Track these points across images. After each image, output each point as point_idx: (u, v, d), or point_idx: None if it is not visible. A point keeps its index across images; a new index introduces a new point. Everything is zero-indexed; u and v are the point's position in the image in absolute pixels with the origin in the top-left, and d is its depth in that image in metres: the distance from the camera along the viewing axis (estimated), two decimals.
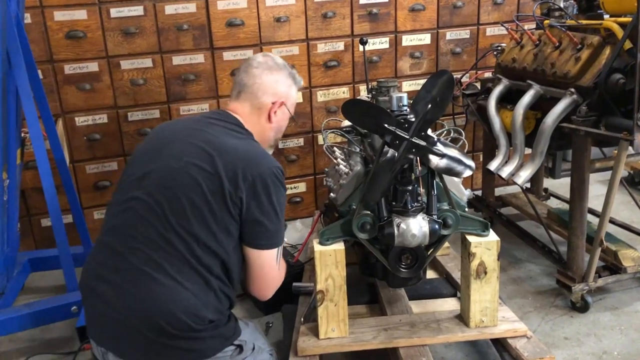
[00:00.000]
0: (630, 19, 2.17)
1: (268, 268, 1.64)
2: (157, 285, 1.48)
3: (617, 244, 2.38)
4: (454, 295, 2.23)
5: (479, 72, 3.11)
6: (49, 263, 2.63)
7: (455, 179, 1.85)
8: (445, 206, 1.80)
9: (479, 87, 2.90)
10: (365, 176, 1.84)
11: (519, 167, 2.43)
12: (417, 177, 1.73)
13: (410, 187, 1.70)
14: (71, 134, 2.80)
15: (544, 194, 3.21)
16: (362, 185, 1.83)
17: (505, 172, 2.44)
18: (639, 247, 2.49)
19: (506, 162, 2.51)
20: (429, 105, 1.60)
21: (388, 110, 1.70)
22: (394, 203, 1.73)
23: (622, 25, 2.14)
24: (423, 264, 1.79)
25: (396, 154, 1.63)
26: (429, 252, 1.81)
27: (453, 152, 1.68)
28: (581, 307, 2.28)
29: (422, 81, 3.23)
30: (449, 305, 2.15)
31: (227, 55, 2.90)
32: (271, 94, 1.75)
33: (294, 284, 2.21)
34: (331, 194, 1.90)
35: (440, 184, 1.78)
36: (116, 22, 2.72)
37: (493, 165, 2.53)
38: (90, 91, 2.76)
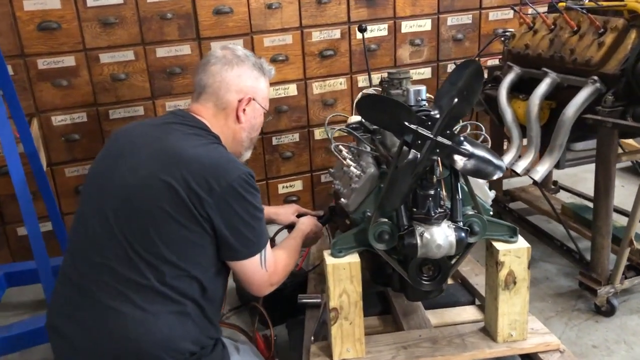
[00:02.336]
0: None
1: (253, 274, 1.51)
2: (127, 320, 1.32)
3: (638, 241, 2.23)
4: (472, 303, 2.06)
5: (483, 59, 2.93)
6: (28, 277, 2.41)
7: (480, 180, 1.67)
8: (470, 211, 1.62)
9: (486, 76, 2.72)
10: (380, 178, 1.65)
11: (535, 161, 2.27)
12: (439, 180, 1.55)
13: (432, 192, 1.52)
14: (48, 135, 2.57)
15: (553, 186, 3.05)
16: (376, 189, 1.64)
17: (520, 167, 2.27)
18: None
19: (519, 156, 2.35)
20: (455, 100, 1.42)
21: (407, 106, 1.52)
22: (414, 210, 1.55)
23: None
24: (447, 276, 1.61)
25: (418, 155, 1.45)
26: (452, 262, 1.64)
27: (481, 152, 1.50)
28: (607, 310, 2.13)
29: (423, 70, 3.10)
30: (468, 314, 1.99)
31: (215, 46, 2.67)
32: (235, 91, 1.57)
33: (300, 296, 2.02)
34: (342, 199, 1.71)
35: (465, 186, 1.60)
36: (93, 12, 2.48)
37: (506, 160, 2.35)
38: (67, 88, 2.53)
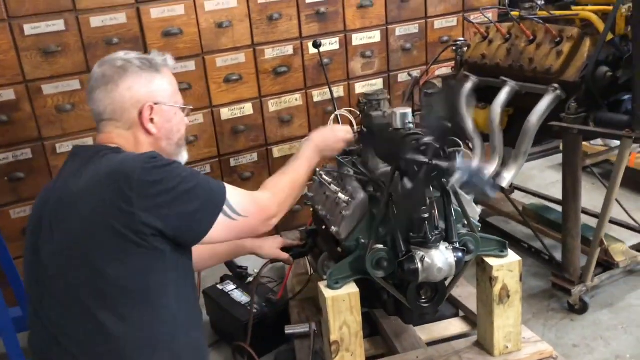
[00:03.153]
0: (604, 7, 2.10)
1: (235, 230, 1.37)
2: None
3: (605, 238, 2.32)
4: (456, 315, 2.08)
5: (432, 67, 2.97)
6: None
7: (468, 197, 1.68)
8: (462, 229, 1.63)
9: (439, 85, 2.76)
10: (371, 203, 1.63)
11: (500, 168, 2.31)
12: (432, 202, 1.54)
13: (427, 215, 1.50)
14: None
15: (508, 188, 3.13)
16: (367, 214, 1.62)
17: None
18: (612, 233, 2.42)
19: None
20: (448, 124, 1.41)
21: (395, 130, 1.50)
22: (411, 234, 1.53)
23: (598, 14, 2.07)
24: (444, 297, 1.61)
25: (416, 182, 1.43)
26: (447, 283, 1.63)
27: (474, 165, 1.50)
28: (580, 308, 2.20)
29: (375, 81, 3.10)
30: (455, 327, 2.02)
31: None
32: (131, 105, 1.36)
33: (287, 327, 1.96)
34: (332, 228, 1.67)
35: (457, 206, 1.60)
36: (32, 40, 2.31)
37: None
38: (7, 124, 2.34)
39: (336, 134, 1.75)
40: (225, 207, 1.32)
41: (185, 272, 1.36)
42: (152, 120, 1.39)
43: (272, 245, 1.92)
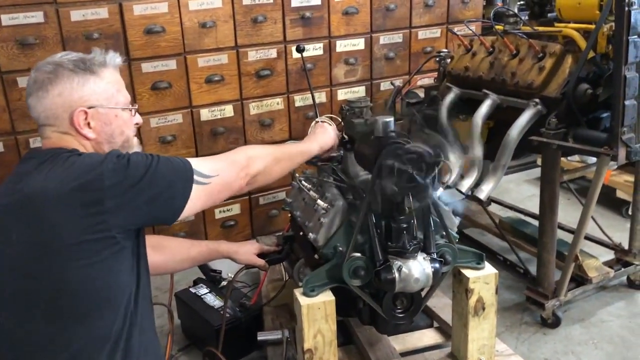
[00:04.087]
0: (586, 25, 2.13)
1: (211, 191, 1.35)
2: None
3: (580, 253, 2.34)
4: (431, 326, 2.08)
5: (415, 77, 2.98)
6: None
7: (447, 208, 1.67)
8: (440, 240, 1.62)
9: (422, 95, 2.76)
10: (349, 211, 1.61)
11: (478, 180, 2.32)
12: (412, 212, 1.53)
13: (406, 225, 1.50)
14: None
15: (485, 200, 3.15)
16: (346, 222, 1.60)
17: (464, 187, 2.31)
18: (585, 249, 2.44)
19: (462, 175, 2.40)
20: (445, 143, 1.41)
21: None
22: (389, 243, 1.52)
23: (580, 31, 2.09)
24: (419, 308, 1.60)
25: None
26: (423, 294, 1.62)
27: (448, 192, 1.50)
28: (553, 322, 2.22)
29: (357, 88, 3.10)
30: (429, 338, 2.02)
31: (147, 67, 2.52)
32: (62, 111, 1.31)
33: (259, 333, 1.93)
34: (310, 234, 1.65)
35: (436, 216, 1.59)
36: (9, 31, 2.25)
37: (450, 179, 2.39)
38: None
39: (330, 130, 1.79)
40: (195, 177, 1.32)
41: (145, 270, 1.35)
42: (88, 124, 1.33)
43: (248, 251, 1.90)
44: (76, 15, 2.33)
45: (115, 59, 1.42)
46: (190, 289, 2.25)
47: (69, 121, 1.32)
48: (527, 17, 2.39)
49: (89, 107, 1.33)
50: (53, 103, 1.31)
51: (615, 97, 1.83)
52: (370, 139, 1.63)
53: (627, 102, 1.81)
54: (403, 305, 1.59)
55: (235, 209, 2.91)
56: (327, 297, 1.54)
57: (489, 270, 1.67)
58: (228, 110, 2.74)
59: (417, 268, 1.47)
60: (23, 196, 1.22)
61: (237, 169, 1.43)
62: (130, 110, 1.43)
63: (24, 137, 2.37)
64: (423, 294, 1.62)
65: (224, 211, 2.87)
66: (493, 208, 3.11)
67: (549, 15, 2.36)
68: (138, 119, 1.47)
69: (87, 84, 1.33)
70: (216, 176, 1.36)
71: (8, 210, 1.24)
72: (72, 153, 1.29)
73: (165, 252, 1.79)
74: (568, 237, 2.47)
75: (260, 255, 1.91)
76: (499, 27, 2.30)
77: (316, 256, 1.64)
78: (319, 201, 1.66)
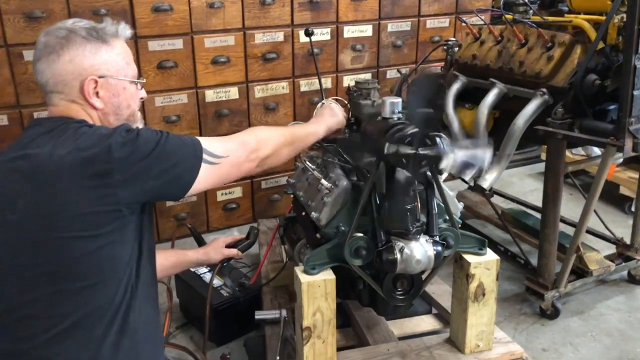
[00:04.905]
0: (597, 16, 2.12)
1: (221, 171, 1.35)
2: None
3: (581, 246, 2.33)
4: (429, 312, 2.07)
5: (421, 66, 2.97)
6: None
7: (451, 192, 1.67)
8: (443, 224, 1.62)
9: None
10: (353, 191, 1.61)
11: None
12: (416, 193, 1.53)
13: (410, 206, 1.49)
14: None
15: (487, 192, 3.14)
16: (349, 202, 1.60)
17: (468, 175, 2.31)
18: (587, 243, 2.44)
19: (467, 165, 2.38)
20: (429, 110, 1.40)
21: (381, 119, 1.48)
22: (391, 224, 1.51)
23: (590, 22, 2.08)
24: (419, 290, 1.60)
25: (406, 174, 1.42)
26: (424, 277, 1.62)
27: (464, 150, 1.47)
28: (551, 314, 2.22)
29: (363, 75, 3.09)
30: (427, 324, 2.02)
31: (153, 45, 2.51)
32: (72, 78, 1.29)
33: (257, 312, 1.93)
34: (312, 213, 1.65)
35: (440, 200, 1.58)
36: (16, 4, 2.24)
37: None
38: None
39: (338, 112, 1.78)
40: (204, 156, 1.31)
41: (148, 246, 1.34)
42: (97, 94, 1.32)
43: (217, 247, 1.87)
44: None
45: (126, 30, 1.40)
46: (190, 268, 2.24)
47: (78, 89, 1.30)
48: (537, 8, 2.37)
49: (99, 77, 1.31)
50: (63, 69, 1.29)
51: (623, 87, 1.82)
52: (375, 120, 1.62)
53: (635, 93, 1.79)
54: (403, 287, 1.58)
55: (237, 192, 2.90)
56: (327, 276, 1.54)
57: (490, 256, 1.66)
58: (233, 93, 2.73)
59: (419, 250, 1.46)
60: (32, 163, 1.21)
61: (248, 151, 1.42)
62: (137, 84, 1.42)
63: (29, 111, 2.37)
64: (424, 277, 1.61)
65: (225, 194, 2.87)
66: (495, 200, 3.09)
67: (559, 5, 2.34)
68: (143, 93, 1.46)
69: (99, 53, 1.31)
70: (226, 157, 1.35)
71: (15, 175, 1.23)
72: (81, 124, 1.28)
73: None
74: (570, 231, 2.46)
75: (230, 246, 1.88)
76: (509, 16, 2.29)
77: (318, 235, 1.63)
78: (322, 181, 1.66)
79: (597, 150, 2.43)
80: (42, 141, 1.24)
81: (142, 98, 1.46)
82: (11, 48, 2.28)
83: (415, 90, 1.45)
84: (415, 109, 1.43)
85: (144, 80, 1.47)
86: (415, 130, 1.42)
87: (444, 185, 1.61)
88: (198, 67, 2.62)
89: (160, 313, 1.44)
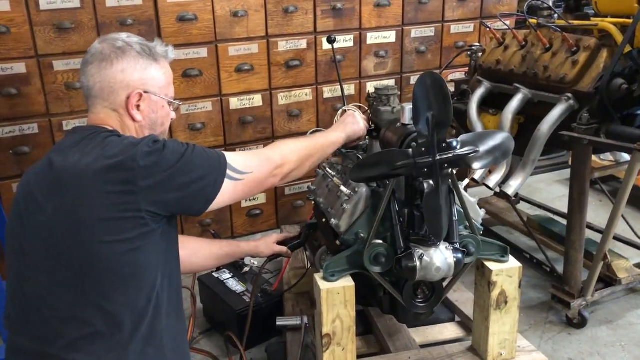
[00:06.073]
0: (624, 19, 2.08)
1: (243, 188, 1.38)
2: None
3: (609, 254, 2.28)
4: (452, 320, 2.05)
5: (445, 72, 2.95)
6: None
7: (472, 199, 1.65)
8: (464, 231, 1.60)
9: (453, 90, 2.73)
10: (372, 198, 1.60)
11: (506, 176, 2.29)
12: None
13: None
14: None
15: (513, 198, 3.10)
16: (368, 209, 1.59)
17: (492, 182, 2.29)
18: (616, 250, 2.38)
19: (490, 170, 2.36)
20: (431, 112, 1.38)
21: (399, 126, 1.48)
22: (411, 231, 1.51)
23: (617, 26, 2.04)
24: (440, 298, 1.59)
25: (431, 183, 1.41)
26: (445, 284, 1.61)
27: (484, 143, 1.46)
28: (578, 323, 2.17)
29: (386, 82, 3.08)
30: (450, 332, 1.99)
31: (178, 54, 2.52)
32: (120, 88, 1.35)
33: (278, 319, 1.94)
34: (332, 220, 1.65)
35: (460, 206, 1.57)
36: (47, 15, 2.30)
37: (477, 174, 2.36)
38: (16, 97, 2.33)
39: (359, 120, 1.78)
40: (228, 171, 1.34)
41: (174, 256, 1.38)
42: (138, 107, 1.38)
43: (268, 242, 1.92)
44: (111, 1, 2.37)
45: (172, 53, 1.48)
46: (214, 274, 2.27)
47: (123, 99, 1.36)
48: (562, 12, 2.33)
49: (145, 91, 1.38)
50: (114, 77, 1.34)
51: None
52: (395, 126, 1.62)
53: None
54: (424, 294, 1.58)
55: (261, 198, 2.93)
56: (347, 283, 1.54)
57: (512, 263, 1.64)
58: (257, 100, 2.76)
59: (439, 257, 1.45)
60: (61, 171, 1.26)
61: (271, 168, 1.45)
62: (172, 105, 1.47)
63: (58, 120, 2.43)
64: (445, 284, 1.60)
65: (250, 200, 2.89)
66: (522, 207, 3.06)
67: (585, 9, 2.31)
68: (174, 115, 1.52)
69: (149, 69, 1.39)
70: (250, 173, 1.38)
71: (46, 183, 1.28)
72: (112, 133, 1.32)
73: (186, 247, 1.78)
74: (598, 238, 2.41)
75: (281, 243, 1.92)
76: (533, 21, 2.26)
77: (337, 242, 1.64)
78: (342, 187, 1.66)
79: (625, 156, 2.38)
80: (72, 150, 1.28)
81: (172, 119, 1.52)
82: (42, 58, 2.34)
83: (417, 91, 1.42)
84: (423, 113, 1.40)
85: (181, 103, 1.51)
86: (426, 136, 1.40)
87: (464, 192, 1.60)
88: (222, 75, 2.66)
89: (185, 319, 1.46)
